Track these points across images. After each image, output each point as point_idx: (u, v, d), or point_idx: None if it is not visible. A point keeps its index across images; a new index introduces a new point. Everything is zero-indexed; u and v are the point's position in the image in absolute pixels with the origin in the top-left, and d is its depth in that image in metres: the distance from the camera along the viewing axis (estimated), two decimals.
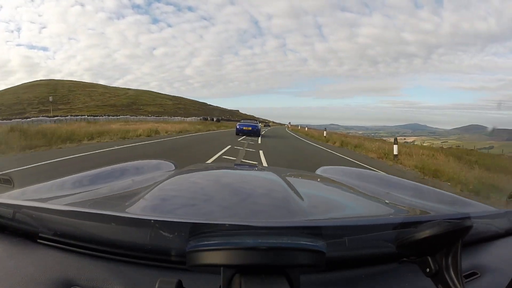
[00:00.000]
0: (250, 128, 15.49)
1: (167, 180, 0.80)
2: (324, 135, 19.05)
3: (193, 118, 38.23)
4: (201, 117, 41.01)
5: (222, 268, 0.38)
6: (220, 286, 0.38)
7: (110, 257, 0.50)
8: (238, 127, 15.96)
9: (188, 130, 19.11)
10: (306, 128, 33.48)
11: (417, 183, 1.10)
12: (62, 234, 0.52)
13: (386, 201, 0.83)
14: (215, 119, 40.78)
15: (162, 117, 35.37)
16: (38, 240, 0.54)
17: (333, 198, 0.86)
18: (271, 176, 0.95)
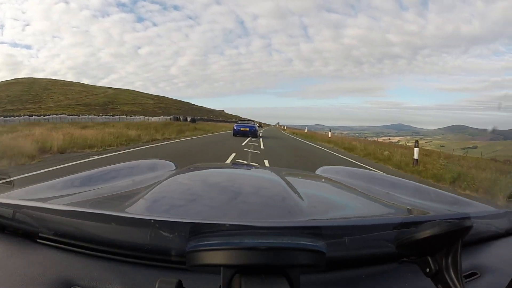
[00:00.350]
0: (247, 129, 15.92)
1: (167, 180, 0.80)
2: (415, 157, 8.17)
3: (160, 118, 31.84)
4: (171, 117, 33.17)
5: (222, 268, 0.38)
6: (220, 286, 0.38)
7: (110, 257, 0.50)
8: (235, 128, 16.42)
9: (102, 145, 8.98)
10: (330, 133, 21.38)
11: (417, 183, 1.08)
12: (62, 234, 0.52)
13: (386, 201, 0.83)
14: (189, 119, 32.58)
15: (120, 116, 30.49)
16: (38, 240, 0.54)
17: (333, 198, 0.86)
18: (271, 176, 0.96)
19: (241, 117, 76.00)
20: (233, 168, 1.37)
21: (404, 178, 1.14)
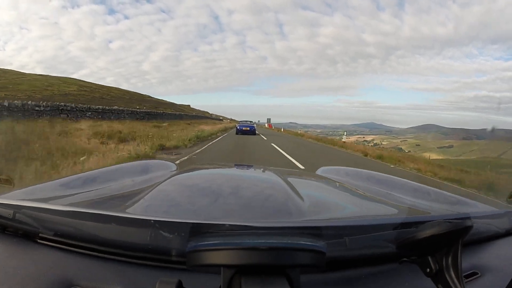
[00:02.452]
0: (248, 129, 18.73)
1: (167, 180, 0.81)
2: None
3: None
4: None
5: (222, 268, 0.38)
6: (220, 286, 0.38)
7: (110, 257, 0.50)
8: (238, 127, 19.27)
9: None
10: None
11: (417, 183, 1.09)
12: (62, 234, 0.52)
13: (387, 201, 0.83)
14: None
15: None
16: (39, 240, 0.54)
17: (333, 198, 0.86)
18: (272, 176, 0.96)
19: (209, 113, 67.72)
20: (234, 169, 1.34)
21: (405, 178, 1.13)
